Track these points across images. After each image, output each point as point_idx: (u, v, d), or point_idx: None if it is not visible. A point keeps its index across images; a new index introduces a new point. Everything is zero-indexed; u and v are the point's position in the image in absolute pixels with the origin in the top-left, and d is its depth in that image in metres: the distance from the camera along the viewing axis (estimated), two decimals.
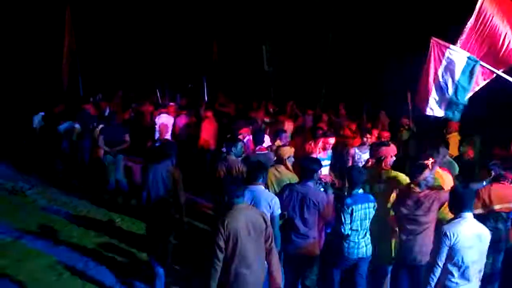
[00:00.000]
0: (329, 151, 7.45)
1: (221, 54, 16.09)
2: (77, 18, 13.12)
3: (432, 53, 5.65)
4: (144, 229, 6.95)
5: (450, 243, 3.99)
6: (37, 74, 15.91)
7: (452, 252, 4.00)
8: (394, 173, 5.55)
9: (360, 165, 7.29)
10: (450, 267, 4.04)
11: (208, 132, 10.14)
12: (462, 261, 3.99)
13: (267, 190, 5.25)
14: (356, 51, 14.65)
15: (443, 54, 5.59)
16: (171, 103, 12.03)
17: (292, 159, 6.17)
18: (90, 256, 6.72)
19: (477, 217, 4.40)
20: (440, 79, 5.65)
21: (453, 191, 4.33)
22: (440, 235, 4.06)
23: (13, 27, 16.19)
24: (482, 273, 4.20)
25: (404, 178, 5.47)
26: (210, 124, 10.29)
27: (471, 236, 4.00)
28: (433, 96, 5.73)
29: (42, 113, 11.65)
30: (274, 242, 4.41)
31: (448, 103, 5.69)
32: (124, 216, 8.33)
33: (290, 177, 5.79)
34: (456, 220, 4.08)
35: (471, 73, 5.51)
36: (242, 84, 16.32)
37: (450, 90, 5.61)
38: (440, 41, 5.63)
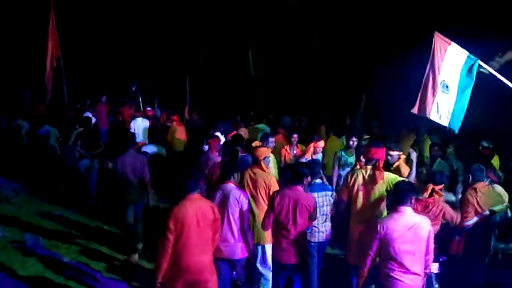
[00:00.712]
0: (320, 155, 7.61)
1: (207, 59, 16.11)
2: (61, 23, 13.00)
3: (436, 49, 5.58)
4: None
5: (380, 236, 4.26)
6: (21, 79, 15.70)
7: (384, 244, 4.27)
8: (388, 174, 5.64)
9: (347, 168, 7.43)
10: (387, 258, 4.27)
11: (175, 134, 10.57)
12: (395, 253, 4.22)
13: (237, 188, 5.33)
14: (342, 52, 14.78)
15: (445, 51, 5.55)
16: (148, 108, 12.15)
17: (269, 160, 6.25)
18: (79, 261, 6.68)
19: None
20: (444, 79, 5.58)
21: (395, 186, 4.65)
22: (372, 227, 4.41)
23: None
24: (429, 261, 4.39)
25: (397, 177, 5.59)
26: (178, 127, 10.71)
27: (402, 229, 4.21)
28: (438, 98, 5.65)
29: (20, 119, 11.65)
30: (245, 237, 5.03)
31: (450, 111, 5.64)
32: (111, 222, 8.26)
33: (265, 177, 5.81)
34: (391, 214, 4.39)
35: (470, 71, 5.50)
36: (229, 88, 16.35)
37: (453, 93, 5.57)
38: (443, 37, 5.59)
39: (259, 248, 5.66)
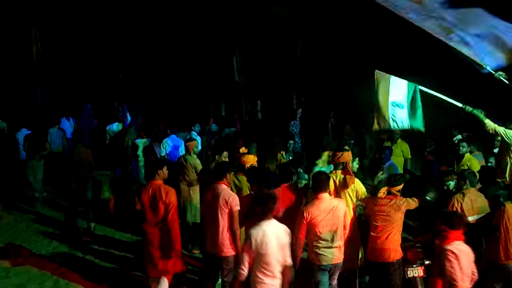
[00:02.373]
0: None
1: (192, 64, 16.12)
2: (44, 32, 12.89)
3: (379, 81, 6.31)
4: (116, 235, 8.08)
5: (306, 221, 5.04)
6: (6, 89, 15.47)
7: (310, 226, 5.04)
8: (356, 180, 5.82)
9: None
10: (312, 238, 5.08)
11: None
12: (320, 232, 5.03)
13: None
14: (325, 60, 14.90)
15: (389, 81, 6.30)
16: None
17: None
18: (63, 272, 6.60)
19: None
20: (394, 100, 6.30)
21: (313, 176, 5.44)
22: (299, 214, 5.11)
23: None
24: (346, 235, 5.25)
25: (363, 188, 5.86)
26: None
27: (324, 212, 5.04)
28: (391, 113, 6.31)
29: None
30: (233, 238, 5.18)
31: (406, 121, 6.32)
32: (95, 232, 8.23)
33: (250, 185, 5.93)
34: (313, 201, 5.14)
35: (414, 93, 6.25)
36: (213, 94, 16.32)
37: (405, 108, 6.29)
38: (382, 73, 6.34)
39: None
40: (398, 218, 5.37)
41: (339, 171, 5.84)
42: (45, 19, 13.19)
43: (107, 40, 17.20)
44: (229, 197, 5.24)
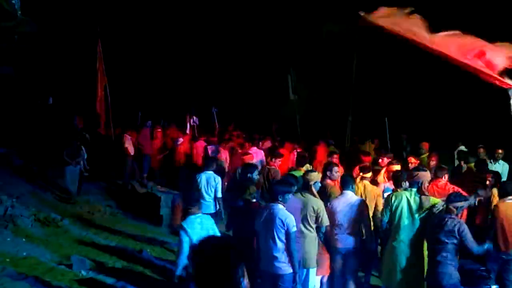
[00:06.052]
0: None
1: (246, 83, 16.36)
2: (107, 50, 13.48)
3: None
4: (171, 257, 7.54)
5: (329, 210, 6.05)
6: (70, 107, 16.26)
7: (331, 215, 6.04)
8: (433, 199, 5.66)
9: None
10: (332, 225, 6.10)
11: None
12: (338, 221, 6.10)
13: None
14: (381, 76, 14.69)
15: None
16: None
17: (319, 185, 6.31)
18: (122, 284, 6.73)
19: None
20: None
21: (341, 177, 6.63)
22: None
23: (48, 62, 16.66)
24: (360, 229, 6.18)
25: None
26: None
27: (344, 205, 6.12)
28: None
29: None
30: (291, 258, 5.22)
31: None
32: (155, 247, 8.42)
33: (313, 203, 5.91)
34: (338, 196, 6.31)
35: None
36: (268, 112, 16.47)
37: None
38: None
39: (304, 271, 5.65)
40: (450, 242, 5.21)
41: (413, 189, 5.75)
42: (109, 40, 13.82)
43: (167, 58, 17.76)
44: (286, 218, 5.24)
